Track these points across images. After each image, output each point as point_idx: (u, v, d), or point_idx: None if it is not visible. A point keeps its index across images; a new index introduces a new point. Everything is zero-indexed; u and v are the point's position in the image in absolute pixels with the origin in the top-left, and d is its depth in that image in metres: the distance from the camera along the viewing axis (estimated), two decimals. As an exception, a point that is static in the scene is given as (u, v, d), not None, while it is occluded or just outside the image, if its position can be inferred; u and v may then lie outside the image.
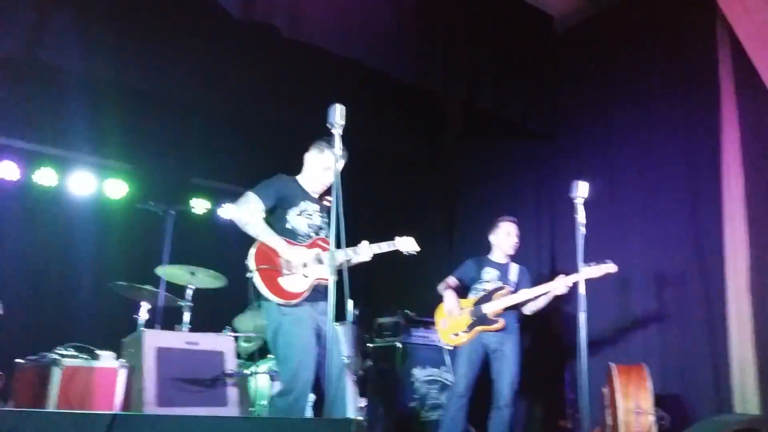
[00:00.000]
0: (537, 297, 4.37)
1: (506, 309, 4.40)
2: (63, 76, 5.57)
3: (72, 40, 4.87)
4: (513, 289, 4.48)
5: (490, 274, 4.59)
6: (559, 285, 4.26)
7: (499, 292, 4.44)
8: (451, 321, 4.47)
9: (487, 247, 6.09)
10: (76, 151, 6.00)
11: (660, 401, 3.97)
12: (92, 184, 6.08)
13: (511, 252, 4.66)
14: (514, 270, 4.63)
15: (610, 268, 4.11)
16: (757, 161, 4.54)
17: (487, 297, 4.45)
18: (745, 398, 4.20)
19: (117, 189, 6.17)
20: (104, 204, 6.12)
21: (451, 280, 4.64)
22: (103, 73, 5.46)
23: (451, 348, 4.46)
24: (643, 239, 5.11)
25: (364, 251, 3.40)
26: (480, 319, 4.38)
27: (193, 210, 6.51)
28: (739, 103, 4.69)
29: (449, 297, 4.50)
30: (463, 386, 4.34)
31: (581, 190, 3.75)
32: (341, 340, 4.00)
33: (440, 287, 4.63)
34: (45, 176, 5.84)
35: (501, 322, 4.34)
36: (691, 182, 4.90)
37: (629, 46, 5.48)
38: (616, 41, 5.59)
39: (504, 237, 4.64)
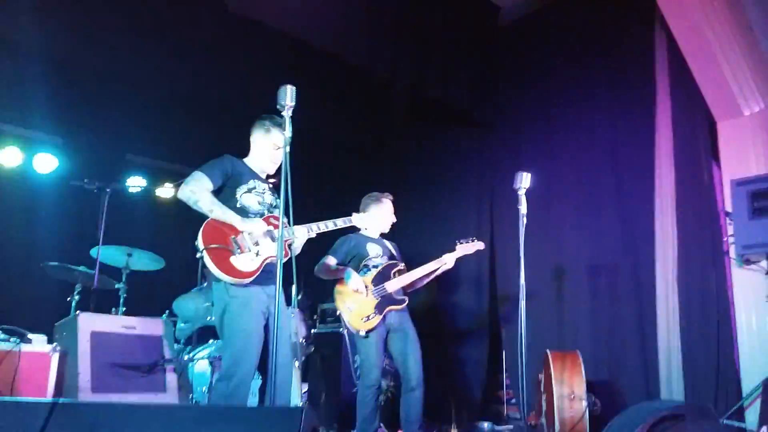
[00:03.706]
0: (431, 273, 4.27)
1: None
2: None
3: None
4: (403, 264, 4.33)
5: (375, 250, 4.30)
6: (450, 260, 4.25)
7: (396, 269, 4.25)
8: (358, 303, 4.09)
9: (429, 233, 6.20)
10: (1, 122, 5.66)
11: (592, 387, 4.12)
12: (18, 158, 5.71)
13: (387, 230, 4.46)
14: (390, 245, 4.45)
15: (479, 245, 4.33)
16: (687, 160, 4.78)
17: (385, 274, 4.20)
18: (670, 386, 4.45)
19: (46, 163, 5.83)
20: (33, 179, 5.77)
21: (332, 260, 4.23)
22: (30, 41, 5.17)
23: (363, 334, 4.02)
24: (578, 230, 5.30)
25: (300, 233, 3.29)
26: (386, 299, 4.13)
27: (129, 188, 6.23)
28: (673, 103, 4.91)
29: (355, 277, 4.12)
30: (375, 376, 4.04)
31: (524, 181, 3.80)
32: (292, 323, 3.93)
33: (326, 270, 4.18)
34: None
35: (406, 300, 4.20)
36: (625, 178, 5.11)
37: (571, 40, 5.63)
38: (559, 35, 5.73)
39: (388, 214, 4.42)
